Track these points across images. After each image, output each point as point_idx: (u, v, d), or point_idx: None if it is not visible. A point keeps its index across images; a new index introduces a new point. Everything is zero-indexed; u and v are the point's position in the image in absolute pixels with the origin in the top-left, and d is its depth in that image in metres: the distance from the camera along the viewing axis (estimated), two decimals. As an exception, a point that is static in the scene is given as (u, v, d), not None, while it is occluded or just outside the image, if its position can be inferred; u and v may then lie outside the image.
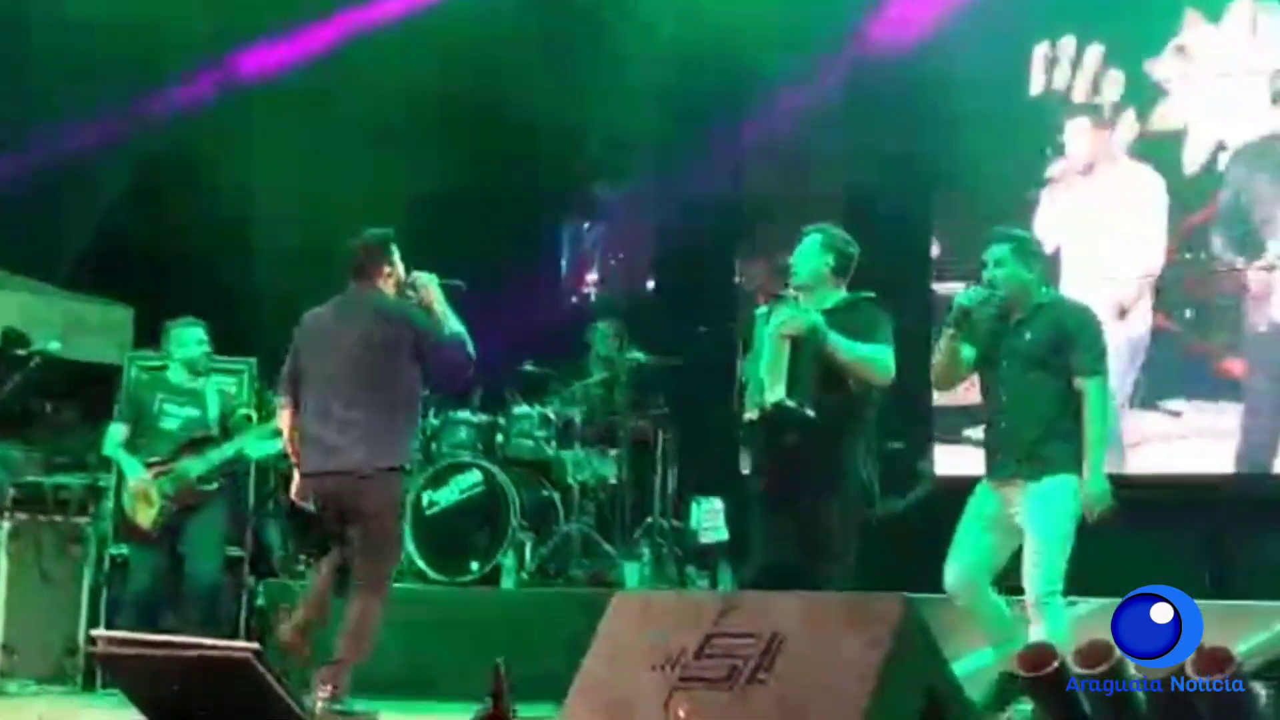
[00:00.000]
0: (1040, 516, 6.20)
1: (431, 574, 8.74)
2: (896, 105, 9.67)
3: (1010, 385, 6.39)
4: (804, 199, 9.54)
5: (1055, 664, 4.61)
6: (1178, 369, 9.20)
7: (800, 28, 9.61)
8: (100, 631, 6.80)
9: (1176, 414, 9.14)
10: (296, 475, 6.81)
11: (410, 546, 8.54)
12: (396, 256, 6.79)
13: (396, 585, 7.04)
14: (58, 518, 8.65)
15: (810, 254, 6.56)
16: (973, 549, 6.36)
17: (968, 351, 6.49)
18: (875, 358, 6.36)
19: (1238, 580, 8.07)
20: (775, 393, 6.23)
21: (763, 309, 6.55)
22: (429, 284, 6.77)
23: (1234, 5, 9.21)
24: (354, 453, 6.53)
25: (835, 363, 6.29)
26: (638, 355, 9.34)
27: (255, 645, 5.35)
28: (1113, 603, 6.60)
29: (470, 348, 6.71)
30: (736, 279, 10.23)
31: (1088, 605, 6.93)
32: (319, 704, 6.30)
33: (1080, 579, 6.38)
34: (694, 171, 9.99)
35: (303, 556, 9.16)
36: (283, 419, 6.87)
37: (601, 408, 9.53)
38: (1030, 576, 6.18)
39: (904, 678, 4.33)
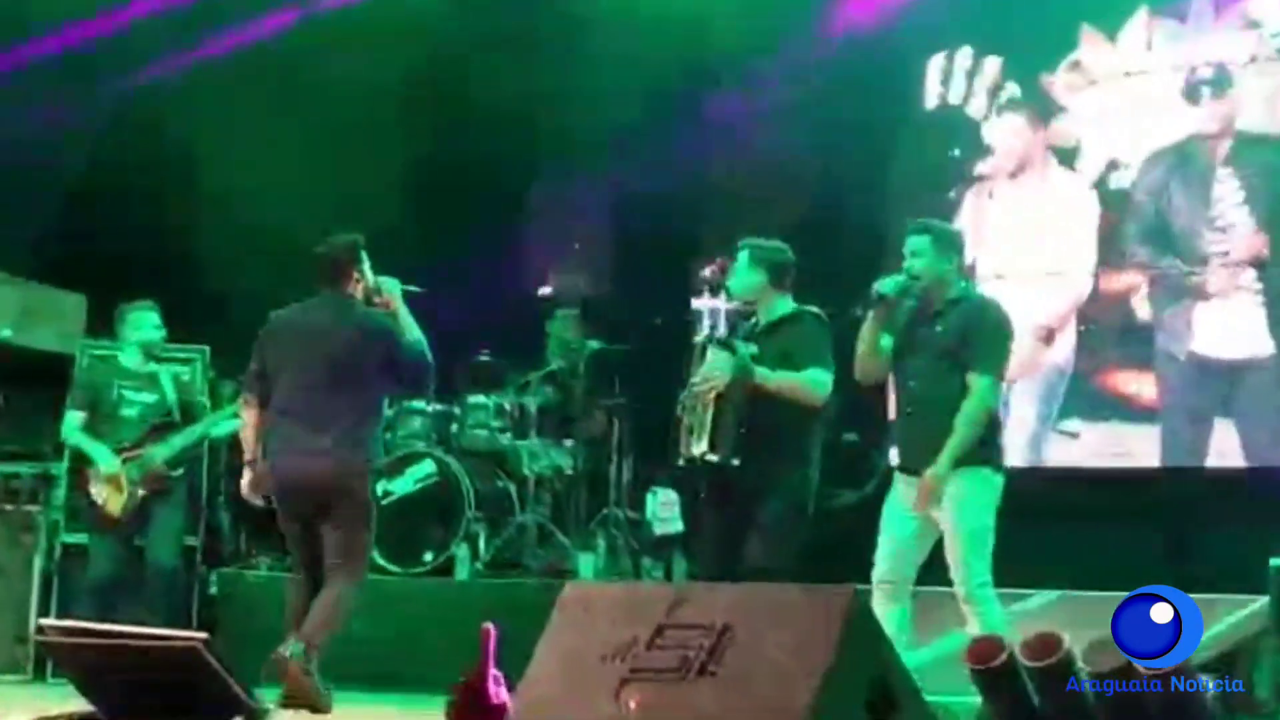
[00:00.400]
0: (957, 511, 6.16)
1: (385, 564, 8.70)
2: (848, 103, 9.70)
3: (921, 377, 6.37)
4: (759, 196, 9.54)
5: (1004, 656, 4.61)
6: (1088, 389, 9.22)
7: (761, 23, 9.63)
8: (48, 621, 6.73)
9: (1075, 434, 9.15)
10: (248, 471, 6.79)
11: (364, 536, 8.51)
12: (366, 264, 6.80)
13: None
14: (8, 506, 8.63)
15: (741, 271, 6.65)
16: (897, 544, 6.32)
17: (886, 341, 6.47)
18: (806, 381, 6.41)
19: (1188, 574, 8.10)
20: (699, 446, 6.38)
21: (701, 309, 6.59)
22: (393, 290, 6.78)
23: (1131, 22, 9.22)
24: (339, 449, 6.58)
25: (767, 390, 6.36)
26: (595, 345, 9.34)
27: (204, 634, 5.31)
28: (1063, 595, 6.62)
29: (429, 356, 6.74)
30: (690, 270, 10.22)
31: (1040, 599, 6.95)
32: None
33: (1027, 572, 6.38)
34: (650, 165, 9.98)
35: (257, 548, 9.14)
36: (248, 417, 6.84)
37: (557, 398, 9.53)
38: (957, 572, 6.15)
39: (853, 669, 4.33)
